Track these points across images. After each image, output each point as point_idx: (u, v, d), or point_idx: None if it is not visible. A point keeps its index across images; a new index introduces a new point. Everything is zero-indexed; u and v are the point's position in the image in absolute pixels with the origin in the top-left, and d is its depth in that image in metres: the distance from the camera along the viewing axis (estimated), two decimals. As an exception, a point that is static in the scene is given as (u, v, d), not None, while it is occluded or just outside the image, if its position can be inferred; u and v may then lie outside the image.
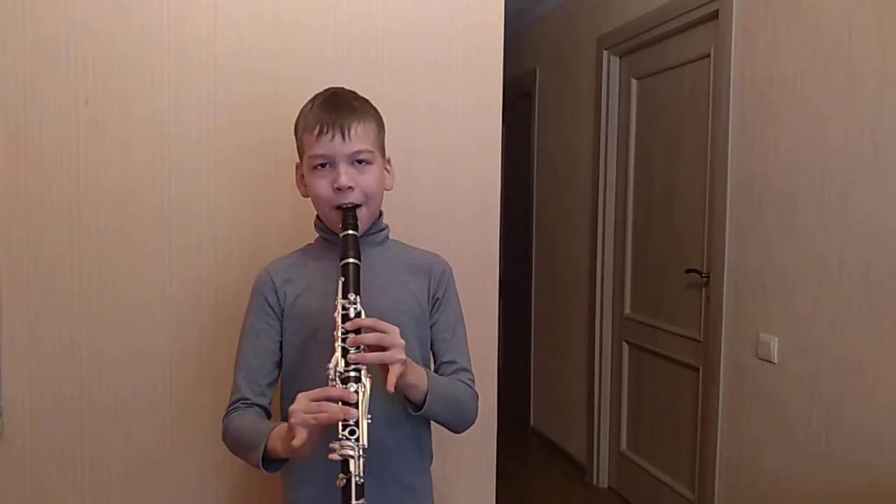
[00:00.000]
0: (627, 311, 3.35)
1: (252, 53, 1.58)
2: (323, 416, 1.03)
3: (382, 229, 1.35)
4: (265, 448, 1.14)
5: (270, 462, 1.16)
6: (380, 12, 1.64)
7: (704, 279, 2.73)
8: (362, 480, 1.05)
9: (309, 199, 1.30)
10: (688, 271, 2.83)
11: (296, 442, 1.04)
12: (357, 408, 1.06)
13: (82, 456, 1.56)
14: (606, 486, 3.51)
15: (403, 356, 1.12)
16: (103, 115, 1.53)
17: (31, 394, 1.53)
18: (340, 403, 1.05)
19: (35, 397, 1.53)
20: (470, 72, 1.69)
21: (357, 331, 1.10)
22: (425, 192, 1.68)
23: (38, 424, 1.54)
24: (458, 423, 1.30)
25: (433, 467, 1.39)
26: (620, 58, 3.36)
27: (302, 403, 1.05)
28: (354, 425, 1.05)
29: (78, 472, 1.56)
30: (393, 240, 1.38)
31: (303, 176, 1.30)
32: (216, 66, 1.57)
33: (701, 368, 2.75)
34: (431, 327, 1.33)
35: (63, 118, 1.51)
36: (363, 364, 1.09)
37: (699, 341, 2.78)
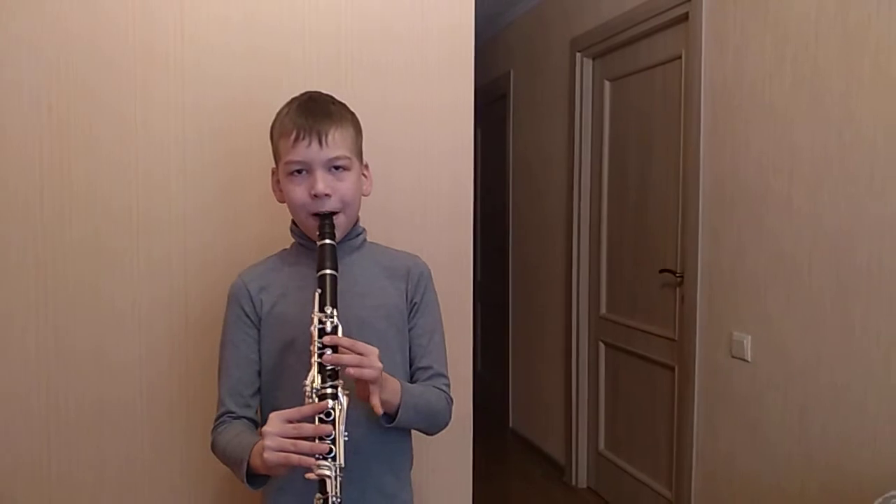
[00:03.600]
0: (603, 311, 3.37)
1: (220, 55, 1.56)
2: (294, 458, 1.04)
3: (360, 234, 1.34)
4: (248, 464, 1.13)
5: (256, 477, 1.15)
6: (349, 14, 1.63)
7: (678, 279, 2.75)
8: (339, 500, 1.05)
9: (284, 205, 1.28)
10: (662, 271, 2.85)
11: (261, 469, 1.08)
12: (334, 426, 1.06)
13: (50, 468, 1.52)
14: (585, 486, 3.53)
15: (379, 378, 1.12)
16: (68, 116, 1.49)
17: (-3, 404, 1.50)
18: (316, 420, 1.06)
19: (0, 407, 1.50)
20: (442, 74, 1.69)
21: (335, 347, 1.09)
22: (398, 193, 1.67)
23: (3, 435, 1.50)
24: (431, 428, 1.31)
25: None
26: (593, 60, 3.38)
27: (274, 437, 1.05)
28: (332, 443, 1.05)
29: (46, 486, 1.52)
30: (370, 242, 1.37)
31: (279, 181, 1.28)
32: (184, 69, 1.55)
33: (676, 367, 2.78)
34: (409, 331, 1.32)
35: (30, 120, 1.48)
36: (340, 366, 1.08)
37: (674, 340, 2.80)
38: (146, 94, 1.53)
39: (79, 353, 1.53)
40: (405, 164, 1.68)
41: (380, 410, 1.10)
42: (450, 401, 1.32)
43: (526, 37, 4.13)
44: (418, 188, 1.69)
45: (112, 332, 1.54)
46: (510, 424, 4.40)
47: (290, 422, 1.06)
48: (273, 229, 1.54)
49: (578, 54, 3.41)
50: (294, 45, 1.60)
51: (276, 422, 1.06)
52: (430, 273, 1.37)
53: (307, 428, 1.05)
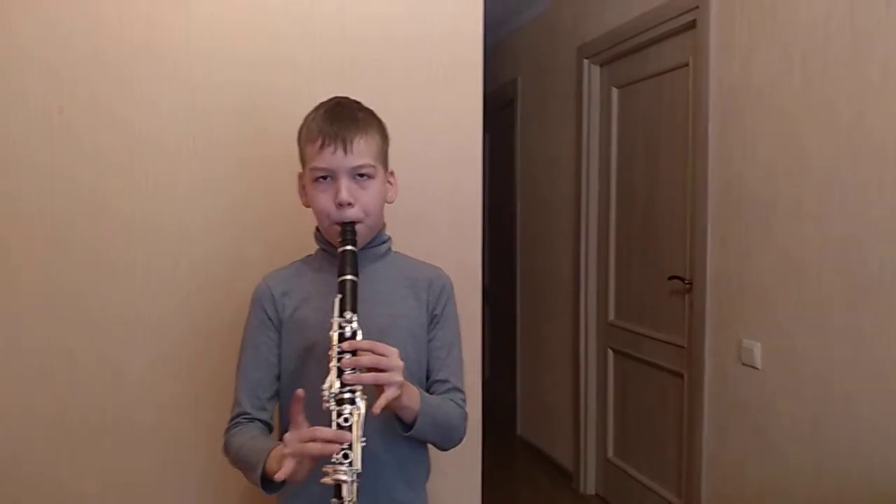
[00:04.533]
0: (612, 317, 3.36)
1: (226, 61, 1.57)
2: (314, 446, 1.04)
3: (384, 241, 1.34)
4: (264, 468, 1.13)
5: (270, 482, 1.14)
6: (355, 20, 1.63)
7: (687, 286, 2.74)
8: None
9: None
10: (671, 278, 2.84)
11: (278, 476, 1.05)
12: (351, 431, 1.05)
13: (56, 477, 1.52)
14: (594, 492, 3.51)
15: (401, 379, 1.11)
16: (76, 123, 1.50)
17: (1, 412, 1.50)
18: (334, 426, 1.05)
19: (5, 415, 1.50)
20: (450, 80, 1.69)
21: (354, 352, 1.08)
22: (406, 200, 1.65)
23: (8, 444, 1.50)
24: (446, 442, 1.30)
25: (422, 479, 1.38)
26: (601, 67, 3.38)
27: (294, 437, 1.07)
28: (348, 448, 1.05)
29: (51, 494, 1.52)
30: (395, 252, 1.37)
31: (304, 186, 1.29)
32: (190, 75, 1.55)
33: (685, 375, 2.76)
34: (428, 343, 1.32)
35: (37, 126, 1.48)
36: (359, 385, 1.07)
37: (683, 347, 2.79)
38: (153, 101, 1.54)
39: (84, 362, 1.53)
40: (413, 170, 1.67)
41: (377, 411, 1.08)
42: (465, 416, 1.31)
43: (533, 43, 4.13)
44: (426, 195, 1.69)
45: (118, 342, 1.54)
46: (518, 431, 4.38)
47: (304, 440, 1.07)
48: (283, 238, 1.54)
49: (586, 61, 3.42)
50: (300, 51, 1.60)
51: (292, 437, 1.08)
52: (452, 287, 1.36)
53: (325, 432, 1.05)
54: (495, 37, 4.56)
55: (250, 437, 1.21)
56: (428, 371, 1.32)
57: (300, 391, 1.08)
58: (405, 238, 1.62)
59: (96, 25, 1.51)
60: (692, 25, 2.64)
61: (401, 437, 1.21)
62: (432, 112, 1.68)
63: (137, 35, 1.53)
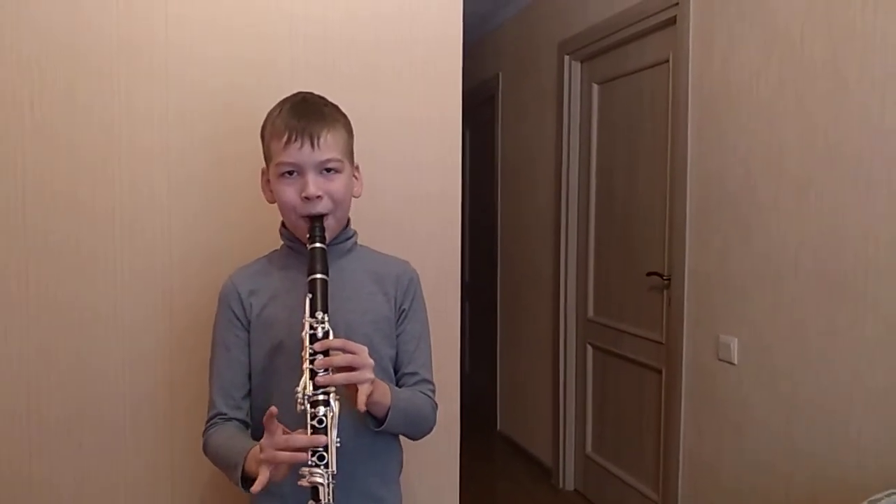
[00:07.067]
0: (591, 313, 3.37)
1: (204, 61, 1.54)
2: (285, 455, 1.05)
3: (350, 237, 1.33)
4: (243, 469, 1.14)
5: (250, 481, 1.14)
6: (335, 22, 1.61)
7: (665, 282, 2.76)
8: None
9: (271, 214, 1.28)
10: (649, 274, 2.86)
11: (254, 488, 1.06)
12: (326, 433, 1.06)
13: (31, 477, 1.50)
14: (573, 488, 3.53)
15: (372, 376, 1.12)
16: (50, 121, 1.47)
17: (-25, 410, 1.47)
18: (309, 431, 1.06)
19: (-21, 414, 1.47)
20: (429, 82, 1.68)
21: (326, 352, 1.09)
22: (386, 201, 1.66)
23: (-18, 442, 1.48)
24: (417, 433, 1.31)
25: (397, 474, 1.37)
26: (581, 63, 3.39)
27: (268, 443, 1.07)
28: (324, 450, 1.05)
29: (27, 494, 1.50)
30: (361, 246, 1.36)
31: (268, 181, 1.27)
32: (168, 75, 1.52)
33: (663, 370, 2.78)
34: (397, 337, 1.32)
35: (7, 124, 1.45)
36: (332, 386, 1.08)
37: (661, 343, 2.81)
38: (129, 98, 1.51)
39: (61, 361, 1.50)
40: (393, 171, 1.67)
41: (363, 408, 1.10)
42: (435, 406, 1.32)
43: (514, 39, 4.13)
44: (405, 195, 1.68)
45: (95, 341, 1.51)
46: (498, 427, 4.40)
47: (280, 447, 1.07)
48: (259, 238, 1.52)
49: (566, 57, 3.42)
50: (280, 52, 1.58)
51: (267, 444, 1.08)
52: (418, 279, 1.37)
53: (299, 439, 1.06)
54: (477, 32, 4.55)
55: (228, 438, 1.21)
56: (397, 364, 1.32)
57: (273, 409, 1.07)
58: (384, 234, 1.61)
59: (72, 21, 1.47)
60: (672, 22, 2.65)
61: (372, 431, 1.22)
62: (411, 112, 1.67)
63: (115, 32, 1.49)
